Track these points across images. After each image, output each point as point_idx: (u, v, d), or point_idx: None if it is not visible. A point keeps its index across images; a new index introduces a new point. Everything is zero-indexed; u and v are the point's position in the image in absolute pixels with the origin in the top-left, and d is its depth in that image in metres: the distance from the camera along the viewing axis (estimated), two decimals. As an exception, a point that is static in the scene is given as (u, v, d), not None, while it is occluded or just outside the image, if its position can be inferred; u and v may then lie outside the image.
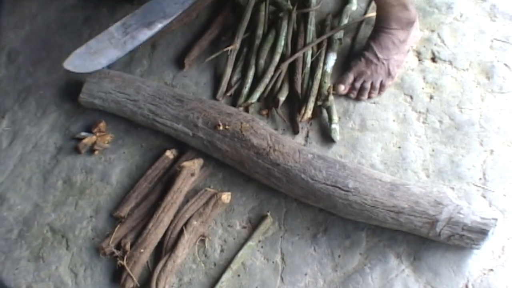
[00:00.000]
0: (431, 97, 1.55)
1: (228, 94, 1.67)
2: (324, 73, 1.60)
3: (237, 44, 1.72)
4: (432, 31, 1.65)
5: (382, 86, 1.56)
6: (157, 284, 1.36)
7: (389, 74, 1.56)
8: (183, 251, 1.40)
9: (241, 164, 1.46)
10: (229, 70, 1.69)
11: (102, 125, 1.67)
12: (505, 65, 1.56)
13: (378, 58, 1.54)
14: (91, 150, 1.66)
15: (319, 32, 1.71)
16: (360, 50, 1.62)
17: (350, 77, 1.57)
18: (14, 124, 1.78)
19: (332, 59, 1.63)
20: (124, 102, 1.61)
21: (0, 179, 1.67)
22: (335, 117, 1.52)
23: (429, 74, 1.58)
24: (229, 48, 1.70)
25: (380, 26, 1.54)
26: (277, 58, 1.65)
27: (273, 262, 1.40)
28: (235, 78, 1.69)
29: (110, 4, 1.99)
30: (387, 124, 1.53)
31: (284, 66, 1.62)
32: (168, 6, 1.75)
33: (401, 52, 1.57)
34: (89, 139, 1.66)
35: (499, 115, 1.48)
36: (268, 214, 1.44)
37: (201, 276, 1.41)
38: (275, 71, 1.63)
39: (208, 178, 1.55)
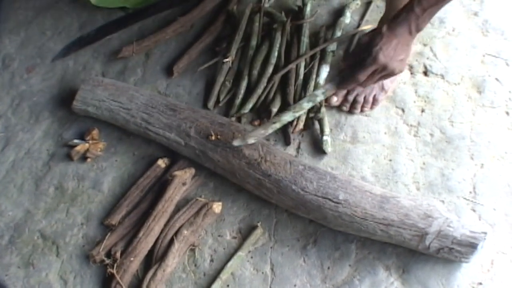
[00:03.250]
0: (422, 111, 1.55)
1: (220, 104, 1.67)
2: (316, 85, 1.61)
3: (233, 55, 1.73)
4: (425, 45, 1.66)
5: (375, 100, 1.56)
6: (146, 293, 1.36)
7: (382, 88, 1.56)
8: (173, 260, 1.40)
9: (232, 174, 1.46)
10: (222, 80, 1.70)
11: (95, 132, 1.67)
12: (497, 79, 1.57)
13: None
14: (84, 158, 1.66)
15: (313, 44, 1.71)
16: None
17: (343, 90, 1.58)
18: (7, 130, 1.78)
19: (325, 71, 1.64)
20: (117, 110, 1.61)
21: (-8, 185, 1.68)
22: (326, 129, 1.53)
23: (421, 87, 1.59)
24: (227, 60, 1.70)
25: None
26: (270, 69, 1.66)
27: (262, 272, 1.40)
28: (228, 88, 1.69)
29: (105, 11, 1.99)
30: (379, 136, 1.53)
31: (277, 78, 1.63)
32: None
33: None
34: (81, 147, 1.66)
35: (490, 129, 1.49)
36: (259, 224, 1.45)
37: (190, 286, 1.41)
38: (268, 82, 1.64)
39: (200, 187, 1.55)
